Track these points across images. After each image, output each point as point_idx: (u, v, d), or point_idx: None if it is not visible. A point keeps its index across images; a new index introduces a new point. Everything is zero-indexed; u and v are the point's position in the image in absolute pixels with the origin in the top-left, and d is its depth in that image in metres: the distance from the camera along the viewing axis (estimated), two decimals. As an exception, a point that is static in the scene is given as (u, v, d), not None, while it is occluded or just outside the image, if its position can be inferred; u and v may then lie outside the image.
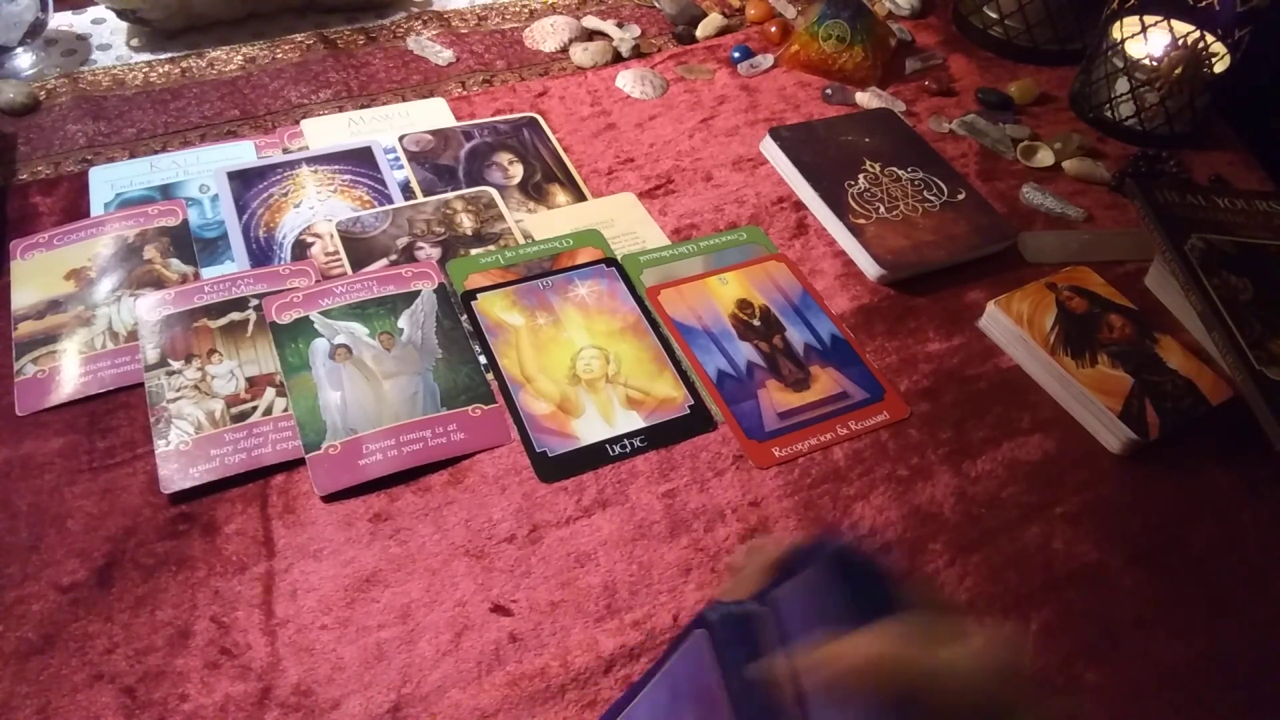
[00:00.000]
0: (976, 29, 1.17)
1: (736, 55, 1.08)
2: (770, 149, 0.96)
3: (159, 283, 0.76)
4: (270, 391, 0.69)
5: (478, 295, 0.77)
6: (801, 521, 0.66)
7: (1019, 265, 0.88)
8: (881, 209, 0.89)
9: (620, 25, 1.12)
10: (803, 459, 0.70)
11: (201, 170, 0.87)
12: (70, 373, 0.70)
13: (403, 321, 0.75)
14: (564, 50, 1.08)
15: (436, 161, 0.91)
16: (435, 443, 0.68)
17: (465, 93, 1.00)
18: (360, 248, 0.81)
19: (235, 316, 0.73)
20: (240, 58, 1.01)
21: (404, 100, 0.98)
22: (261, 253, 0.80)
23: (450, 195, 0.87)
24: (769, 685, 0.32)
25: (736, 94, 1.04)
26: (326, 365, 0.71)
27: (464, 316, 0.76)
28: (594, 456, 0.68)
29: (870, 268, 0.85)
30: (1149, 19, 0.98)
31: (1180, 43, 0.97)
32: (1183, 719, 0.60)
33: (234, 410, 0.67)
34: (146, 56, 1.01)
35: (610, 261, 0.82)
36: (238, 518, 0.63)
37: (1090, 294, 0.81)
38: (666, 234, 0.87)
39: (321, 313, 0.74)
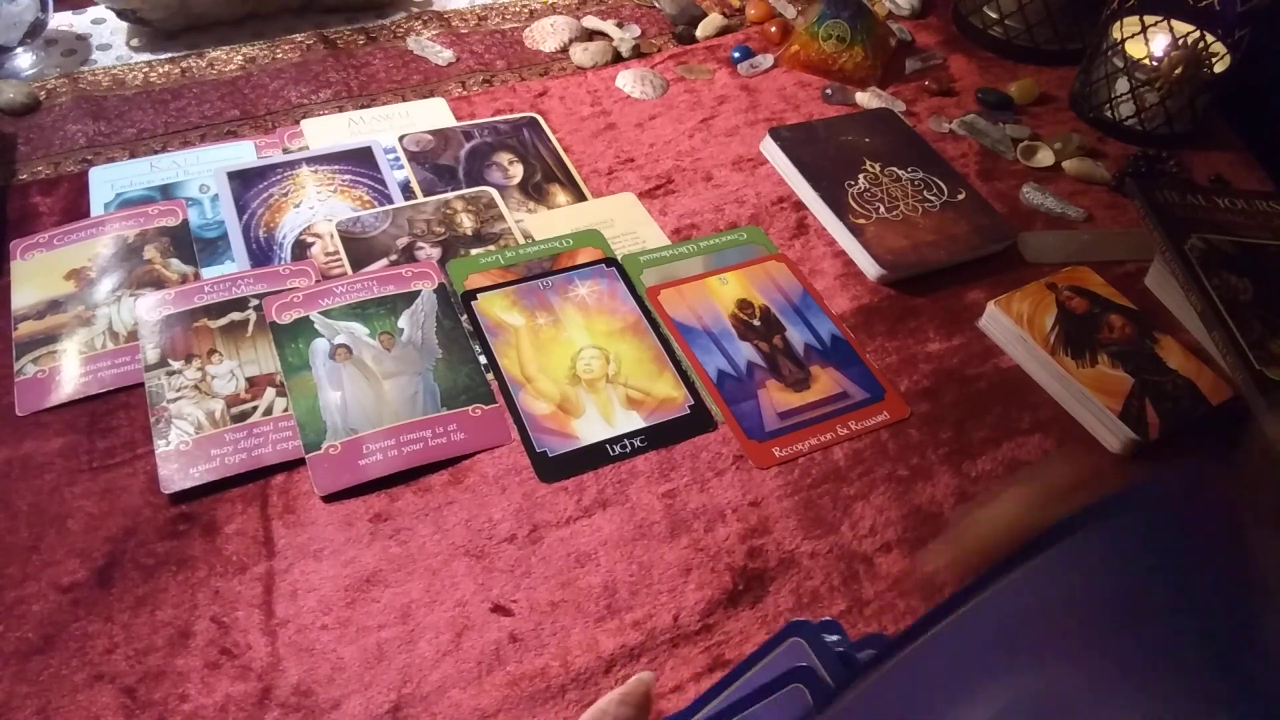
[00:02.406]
0: (976, 29, 1.17)
1: (736, 55, 1.08)
2: (770, 149, 0.95)
3: (159, 283, 0.76)
4: (270, 391, 0.69)
5: (478, 295, 0.77)
6: (801, 521, 0.66)
7: (1019, 265, 0.88)
8: (881, 209, 0.89)
9: (620, 25, 1.12)
10: (803, 459, 0.70)
11: (201, 170, 0.87)
12: (70, 373, 0.70)
13: (403, 321, 0.75)
14: (564, 50, 1.08)
15: (436, 161, 0.91)
16: (435, 443, 0.68)
17: (465, 93, 1.00)
18: (360, 248, 0.81)
19: (235, 316, 0.73)
20: (240, 58, 1.01)
21: (404, 100, 0.98)
22: (261, 253, 0.80)
23: (450, 195, 0.87)
24: None
25: (736, 94, 1.04)
26: (326, 365, 0.71)
27: (464, 316, 0.76)
28: (594, 456, 0.68)
29: (870, 268, 0.85)
30: (1149, 19, 0.98)
31: (1180, 43, 0.97)
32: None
33: (234, 410, 0.67)
34: (146, 56, 1.01)
35: (610, 261, 0.82)
36: (238, 518, 0.63)
37: (1090, 294, 0.81)
38: (666, 234, 0.87)
39: (321, 313, 0.74)
